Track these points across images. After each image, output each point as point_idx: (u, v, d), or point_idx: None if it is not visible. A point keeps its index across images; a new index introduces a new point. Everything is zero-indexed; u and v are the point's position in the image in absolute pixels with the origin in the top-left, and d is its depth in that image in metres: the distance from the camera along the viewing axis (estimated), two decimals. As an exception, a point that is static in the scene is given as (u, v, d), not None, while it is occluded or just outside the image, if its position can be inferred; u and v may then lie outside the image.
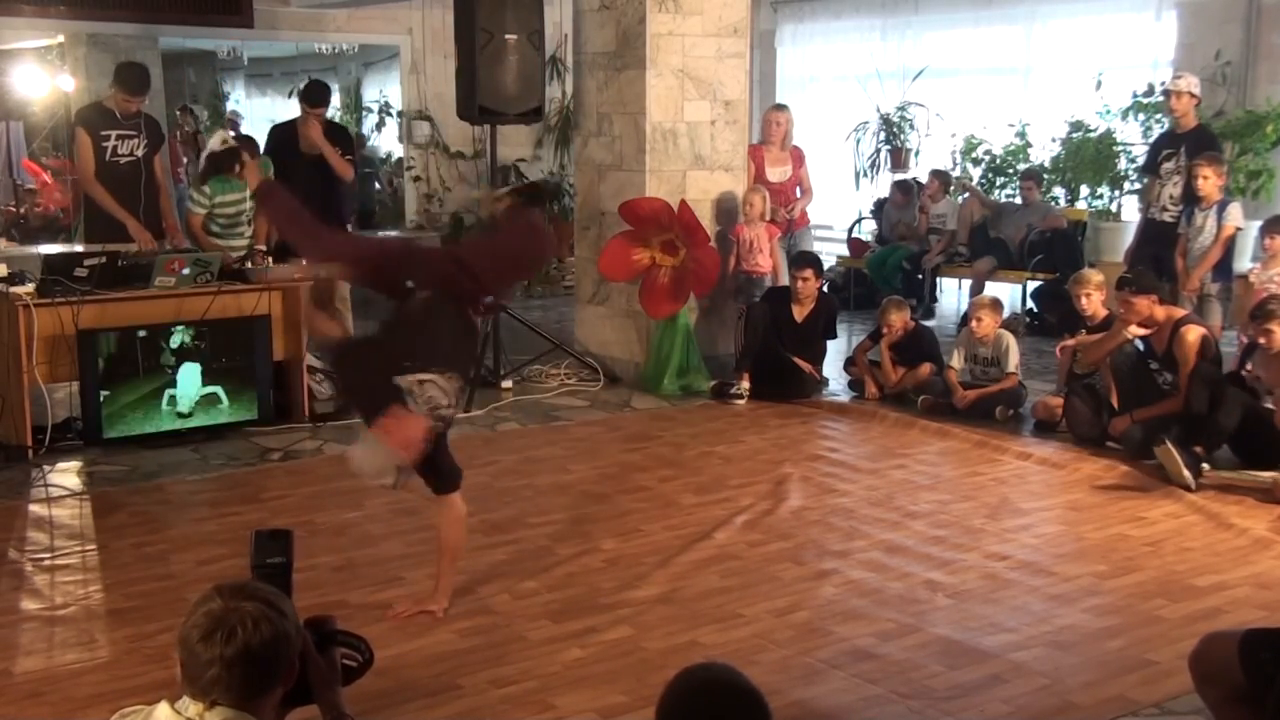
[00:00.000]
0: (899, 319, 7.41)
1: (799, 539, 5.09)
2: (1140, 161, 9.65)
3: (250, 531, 2.53)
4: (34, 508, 5.50)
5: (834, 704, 3.65)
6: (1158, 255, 7.79)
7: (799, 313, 7.60)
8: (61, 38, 11.90)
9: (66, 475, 5.95)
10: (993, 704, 3.64)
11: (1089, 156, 10.39)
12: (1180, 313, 6.37)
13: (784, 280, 7.99)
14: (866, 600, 4.43)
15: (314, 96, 7.85)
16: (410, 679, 3.77)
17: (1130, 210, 10.27)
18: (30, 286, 6.18)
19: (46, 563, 4.83)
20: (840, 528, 5.23)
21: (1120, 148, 10.30)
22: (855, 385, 7.66)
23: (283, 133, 7.98)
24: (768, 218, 8.03)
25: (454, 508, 4.29)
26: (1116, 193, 10.47)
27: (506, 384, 7.71)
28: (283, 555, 2.53)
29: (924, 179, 11.03)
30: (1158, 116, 9.98)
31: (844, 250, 11.35)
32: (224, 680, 2.06)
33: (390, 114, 13.61)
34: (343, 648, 2.53)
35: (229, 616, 2.09)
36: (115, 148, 7.19)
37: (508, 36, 7.53)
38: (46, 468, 5.97)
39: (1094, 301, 6.72)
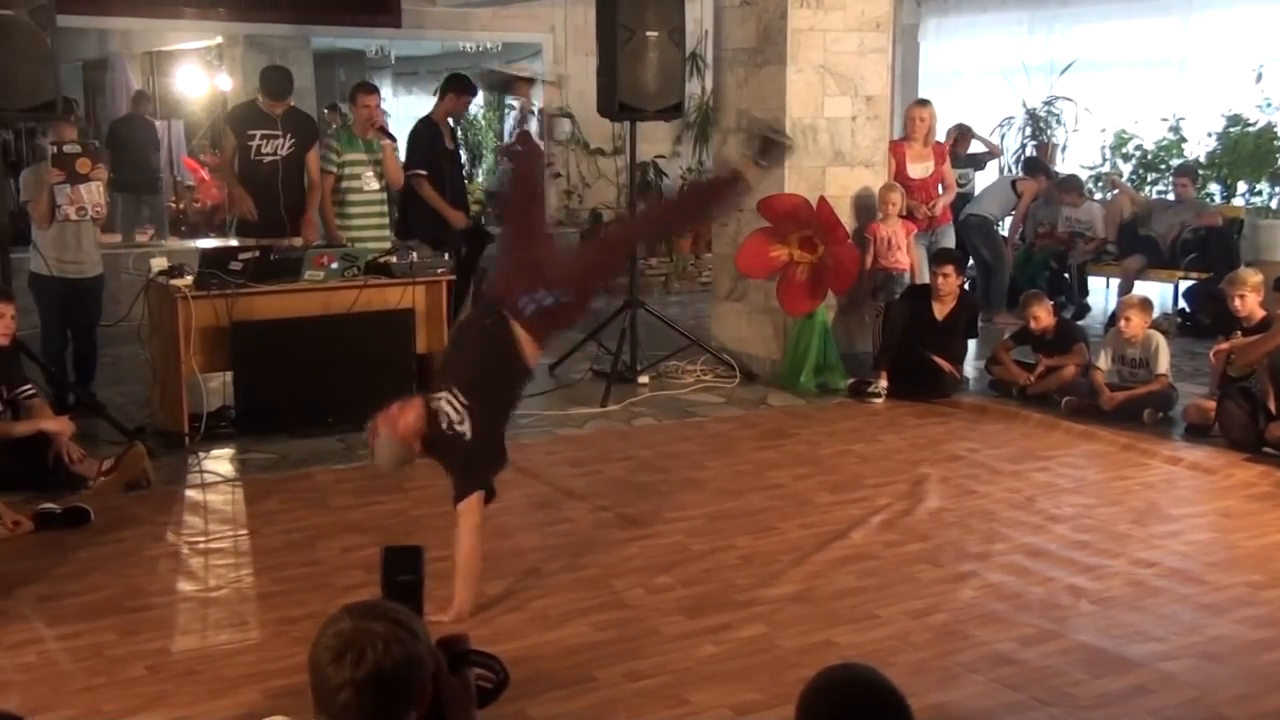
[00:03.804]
0: (1044, 311, 7.28)
1: (937, 540, 5.02)
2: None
3: (380, 548, 2.50)
4: (190, 493, 5.73)
5: (973, 709, 3.60)
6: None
7: (939, 310, 7.48)
8: (220, 39, 12.33)
9: (220, 462, 6.17)
10: (1138, 715, 3.55)
11: (1247, 151, 10.03)
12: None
13: (922, 278, 7.88)
14: (1006, 604, 4.35)
15: (462, 84, 8.30)
16: (546, 670, 3.82)
17: (1290, 207, 9.91)
18: (189, 279, 6.44)
19: (201, 546, 5.02)
20: (980, 530, 5.14)
21: (1281, 142, 9.93)
22: (997, 385, 7.51)
23: (426, 128, 8.21)
24: (904, 214, 7.93)
25: (463, 516, 4.18)
26: (1277, 189, 10.08)
27: (643, 379, 7.76)
28: (413, 572, 2.46)
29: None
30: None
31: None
32: (355, 705, 1.95)
33: (532, 111, 13.79)
34: (477, 668, 2.44)
35: (359, 638, 1.97)
36: (259, 146, 7.45)
37: (648, 33, 7.57)
38: (201, 454, 6.20)
39: (1249, 302, 6.49)
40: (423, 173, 8.04)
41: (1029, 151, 11.62)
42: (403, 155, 8.30)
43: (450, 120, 8.43)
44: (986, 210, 10.23)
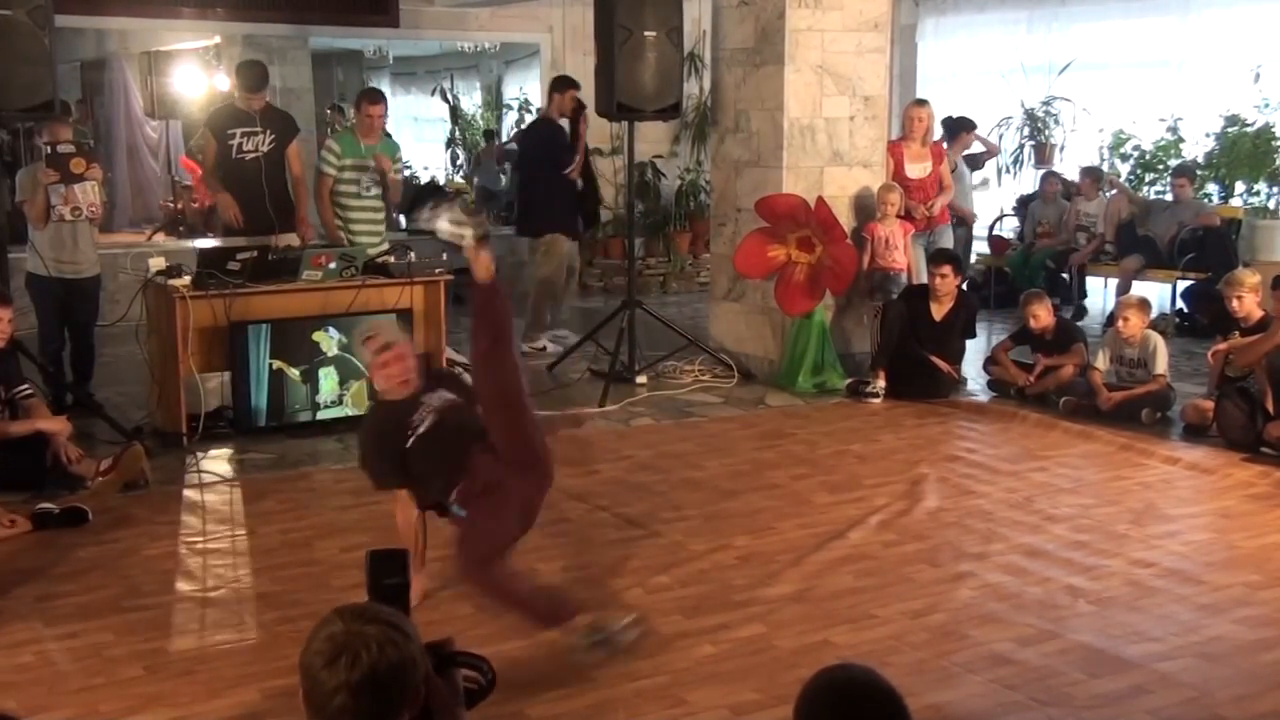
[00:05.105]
0: (1043, 310, 7.27)
1: (935, 540, 5.02)
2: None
3: (365, 552, 2.50)
4: (188, 493, 5.72)
5: (970, 709, 3.60)
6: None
7: (937, 311, 7.48)
8: (218, 39, 12.32)
9: (218, 462, 6.16)
10: (1136, 715, 3.55)
11: (1245, 152, 10.03)
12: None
13: (920, 278, 7.88)
14: (1004, 604, 4.35)
15: (563, 82, 8.86)
16: (544, 670, 3.81)
17: (1289, 208, 9.91)
18: (187, 279, 6.43)
19: (199, 546, 5.01)
20: (978, 530, 5.14)
21: (1280, 142, 9.93)
22: (995, 385, 7.51)
23: (547, 127, 8.82)
24: (902, 214, 7.94)
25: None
26: (1275, 189, 10.08)
27: (641, 379, 7.76)
28: (399, 575, 2.46)
29: (1070, 176, 10.76)
30: (1320, 110, 9.60)
31: (983, 248, 11.14)
32: (351, 708, 1.94)
33: (530, 111, 13.78)
34: (464, 669, 2.42)
35: (352, 641, 1.96)
36: (241, 144, 7.42)
37: (647, 33, 7.57)
38: (199, 454, 6.20)
39: (1247, 303, 6.49)
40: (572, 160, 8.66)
41: (1028, 153, 11.61)
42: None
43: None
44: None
